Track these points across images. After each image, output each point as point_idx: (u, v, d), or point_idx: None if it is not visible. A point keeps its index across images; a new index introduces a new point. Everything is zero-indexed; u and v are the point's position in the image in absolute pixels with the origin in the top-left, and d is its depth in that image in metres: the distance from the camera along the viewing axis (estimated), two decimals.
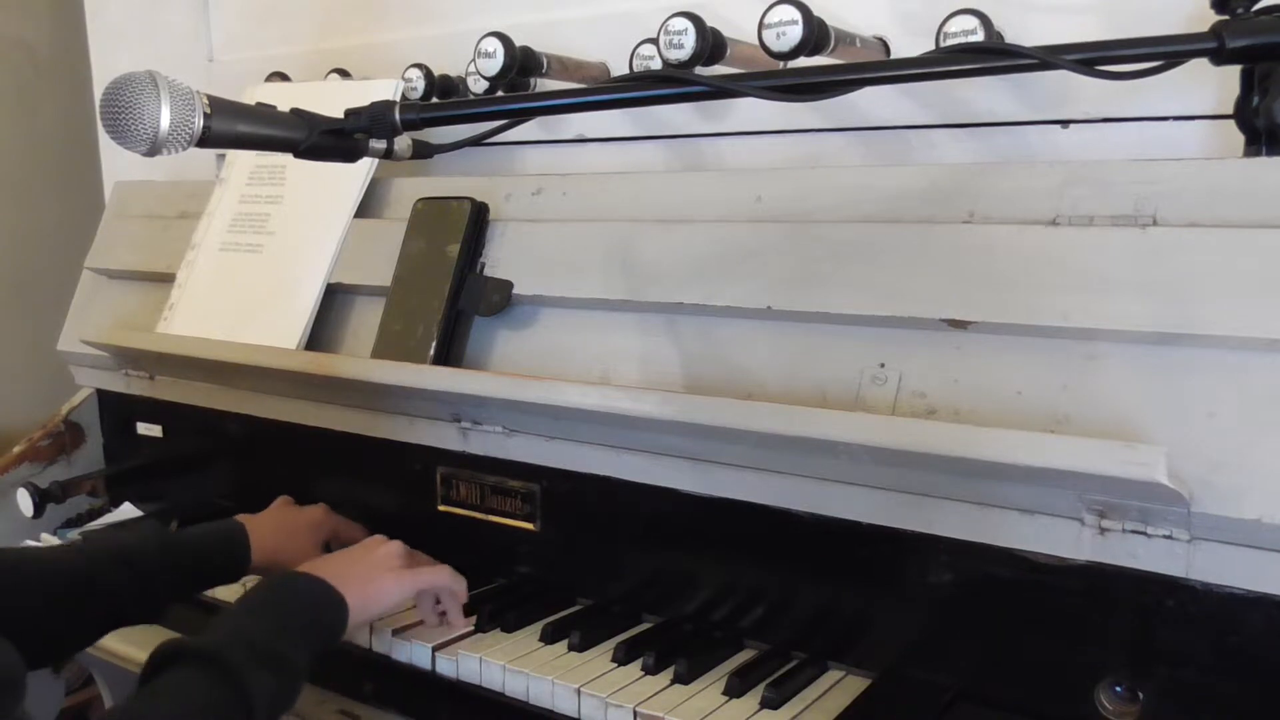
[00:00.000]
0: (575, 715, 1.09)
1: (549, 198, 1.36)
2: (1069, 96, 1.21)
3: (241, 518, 1.35)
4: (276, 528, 1.35)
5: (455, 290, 1.36)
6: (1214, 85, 1.11)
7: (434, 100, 1.62)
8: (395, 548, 1.22)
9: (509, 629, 1.23)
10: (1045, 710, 0.99)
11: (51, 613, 1.14)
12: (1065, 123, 1.23)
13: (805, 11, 1.14)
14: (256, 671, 0.97)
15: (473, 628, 1.24)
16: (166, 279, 1.70)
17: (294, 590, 1.11)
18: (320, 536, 1.39)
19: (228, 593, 1.35)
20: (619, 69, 1.52)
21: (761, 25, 1.16)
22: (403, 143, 1.11)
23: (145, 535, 1.26)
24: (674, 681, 1.10)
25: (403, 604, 1.22)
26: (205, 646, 0.97)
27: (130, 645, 1.40)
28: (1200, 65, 0.91)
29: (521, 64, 1.45)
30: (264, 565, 1.31)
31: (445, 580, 1.22)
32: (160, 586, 1.21)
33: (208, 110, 0.90)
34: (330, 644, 1.10)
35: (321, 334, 1.52)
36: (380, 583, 1.16)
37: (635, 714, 1.05)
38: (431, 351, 1.35)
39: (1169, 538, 0.91)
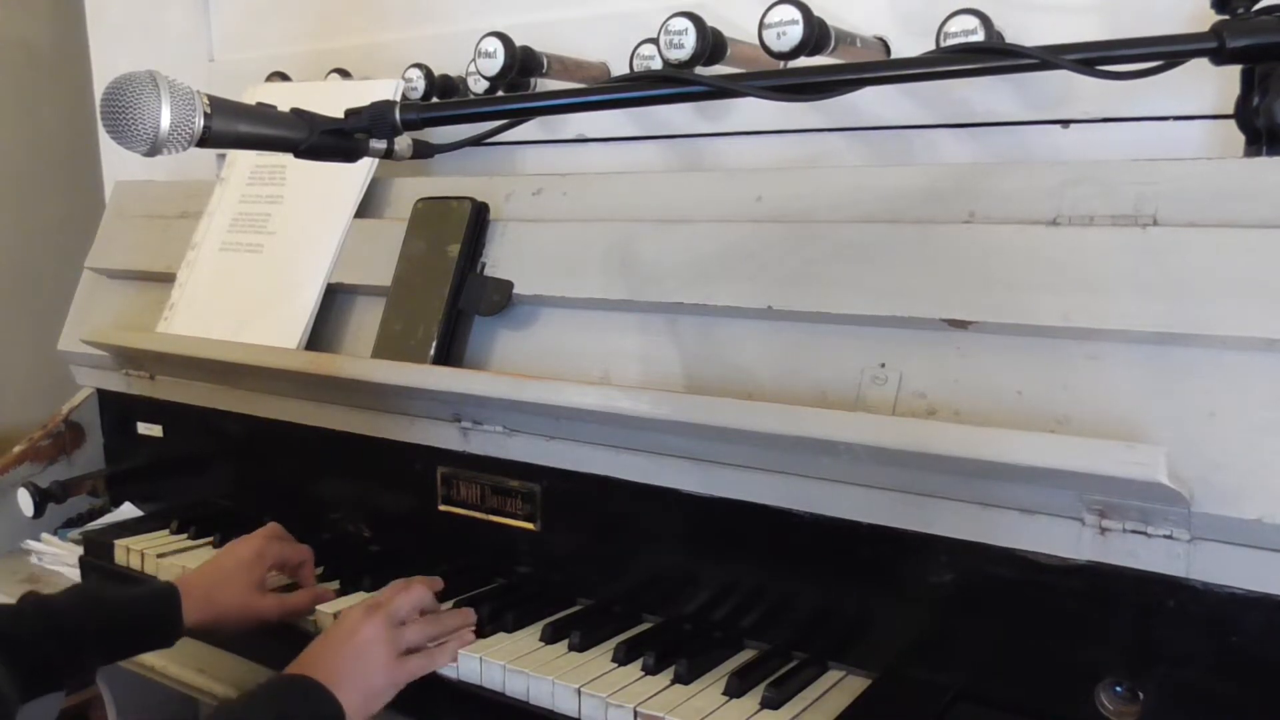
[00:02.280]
0: (575, 715, 1.08)
1: (549, 198, 1.36)
2: (1069, 96, 1.21)
3: (180, 578, 1.31)
4: (208, 580, 1.30)
5: (455, 290, 1.36)
6: (1214, 85, 1.11)
7: (434, 100, 1.62)
8: (376, 630, 1.14)
9: (509, 629, 1.23)
10: (1045, 710, 0.99)
11: None
12: (1066, 123, 1.23)
13: (805, 11, 1.14)
14: None
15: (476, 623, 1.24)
16: (167, 279, 1.70)
17: (289, 694, 1.07)
18: (259, 570, 1.33)
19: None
20: (619, 69, 1.52)
21: (762, 25, 1.16)
22: (403, 143, 1.11)
23: (74, 596, 1.23)
24: (674, 681, 1.10)
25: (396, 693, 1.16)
26: None
27: None
28: (1201, 65, 0.91)
29: (522, 64, 1.45)
30: (201, 621, 1.27)
31: (442, 662, 1.18)
32: (88, 650, 1.19)
33: (208, 110, 0.90)
34: None
35: (322, 334, 1.52)
36: (373, 681, 1.11)
37: (635, 714, 1.05)
38: (432, 351, 1.35)
39: (1169, 538, 0.91)
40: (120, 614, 1.24)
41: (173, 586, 1.28)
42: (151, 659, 1.39)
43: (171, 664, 1.38)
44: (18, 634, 1.15)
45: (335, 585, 1.38)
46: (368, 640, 1.13)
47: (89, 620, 1.20)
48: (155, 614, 1.25)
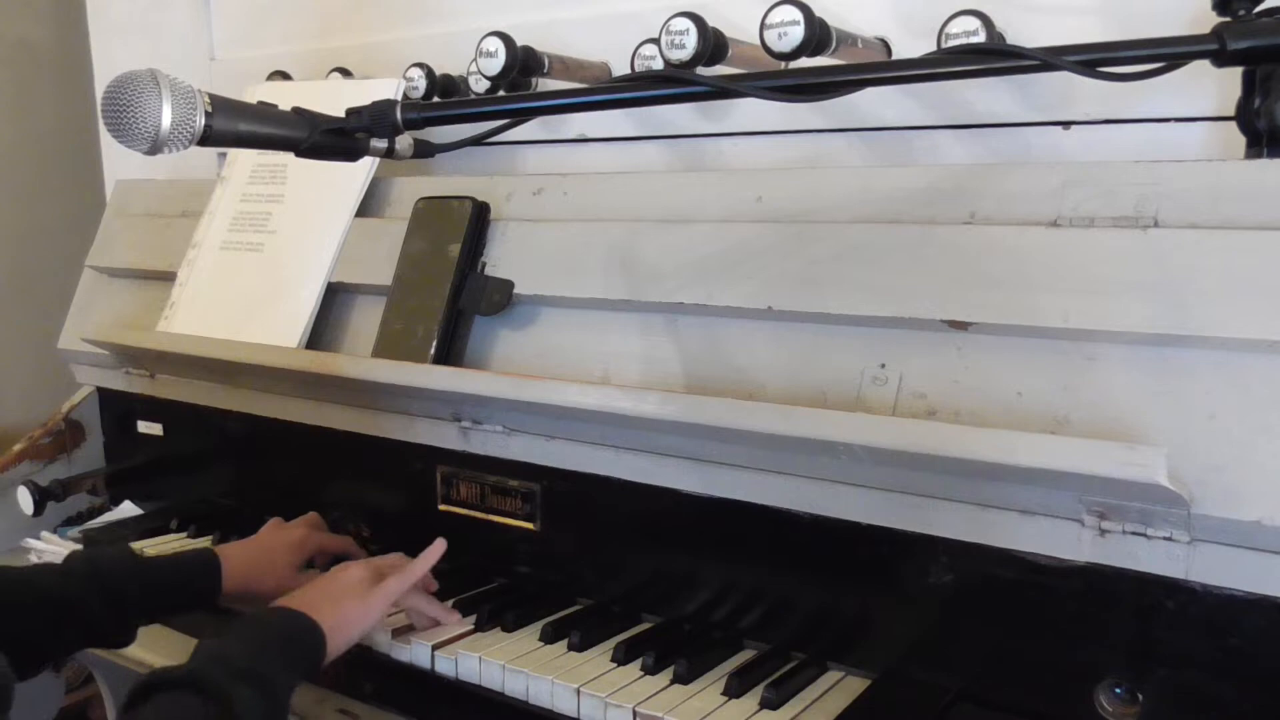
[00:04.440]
0: (575, 715, 1.08)
1: (550, 197, 1.36)
2: (1070, 98, 1.21)
3: (221, 546, 1.35)
4: (250, 553, 1.34)
5: (456, 289, 1.36)
6: (1215, 87, 1.11)
7: (435, 99, 1.62)
8: (359, 571, 1.20)
9: (509, 628, 1.23)
10: (1045, 711, 0.99)
11: (27, 629, 1.15)
12: (1067, 124, 1.23)
13: (807, 12, 1.14)
14: (237, 686, 0.97)
15: (472, 627, 1.24)
16: (167, 277, 1.70)
17: (267, 619, 1.11)
18: (300, 556, 1.37)
19: None
20: (620, 69, 1.52)
21: (763, 26, 1.16)
22: (404, 142, 1.11)
23: (119, 559, 1.27)
24: (673, 681, 1.10)
25: (381, 620, 1.20)
26: (181, 673, 0.98)
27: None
28: (1202, 67, 0.91)
29: (523, 63, 1.45)
30: (238, 592, 1.30)
31: (411, 577, 1.21)
32: (132, 609, 1.22)
33: (209, 109, 0.91)
34: (312, 669, 1.10)
35: (322, 333, 1.52)
36: (351, 605, 1.15)
37: (635, 714, 1.05)
38: (432, 351, 1.35)
39: (1169, 539, 0.91)
40: (164, 577, 1.27)
41: (214, 555, 1.31)
42: (152, 658, 1.38)
43: (171, 662, 1.37)
44: (66, 592, 1.19)
45: None
46: (349, 576, 1.19)
47: (135, 581, 1.23)
48: (196, 580, 1.29)
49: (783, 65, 1.18)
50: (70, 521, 1.81)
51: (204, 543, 1.55)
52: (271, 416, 1.57)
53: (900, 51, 1.32)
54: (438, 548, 1.25)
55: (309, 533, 1.41)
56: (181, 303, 1.66)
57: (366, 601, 1.17)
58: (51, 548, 1.70)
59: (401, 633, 1.23)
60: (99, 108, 0.90)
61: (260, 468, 1.64)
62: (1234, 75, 0.99)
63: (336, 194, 1.55)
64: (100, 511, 1.82)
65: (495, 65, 1.43)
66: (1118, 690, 0.96)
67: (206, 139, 0.91)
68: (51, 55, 2.74)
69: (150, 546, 1.53)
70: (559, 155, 1.63)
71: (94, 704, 2.28)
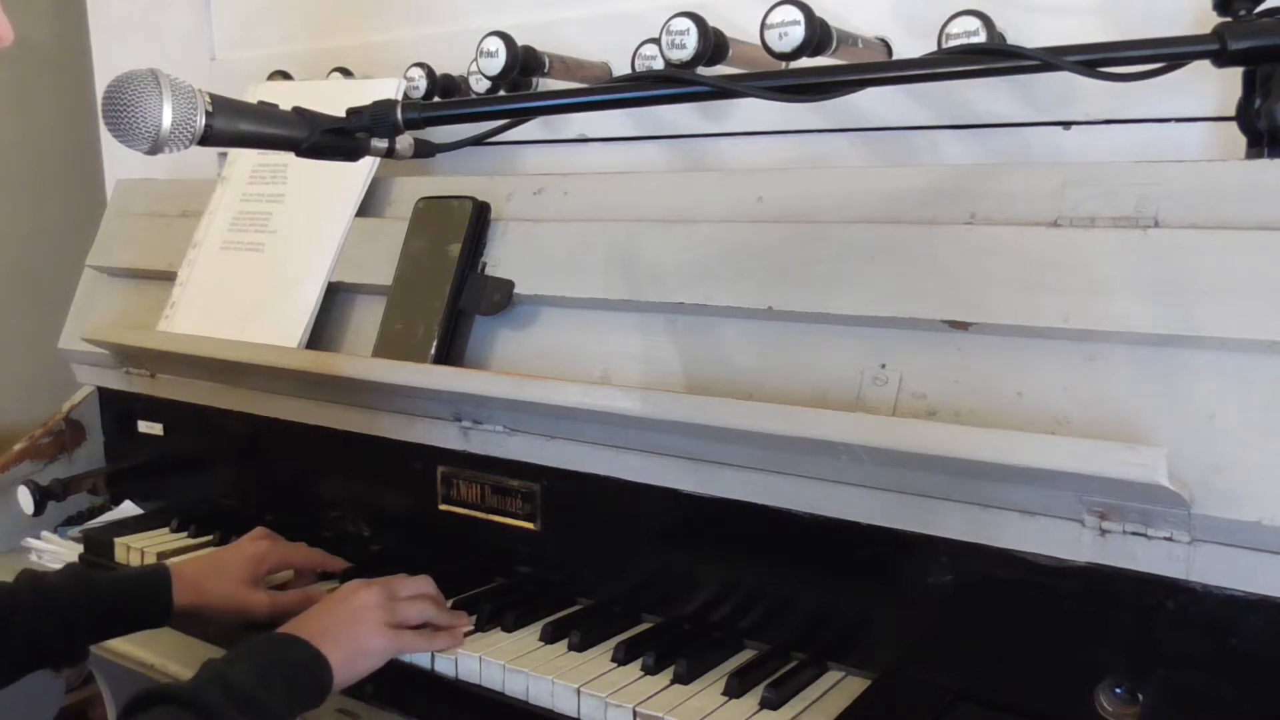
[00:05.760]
0: (575, 715, 1.08)
1: (550, 197, 1.36)
2: (1071, 98, 1.21)
3: (174, 561, 1.33)
4: (202, 568, 1.32)
5: (456, 289, 1.36)
6: (1216, 87, 1.11)
7: (436, 99, 1.62)
8: (372, 597, 1.16)
9: (509, 628, 1.23)
10: (1045, 711, 0.99)
11: None
12: (1067, 124, 1.23)
13: (807, 12, 1.14)
14: (234, 714, 0.96)
15: (472, 627, 1.24)
16: (168, 277, 1.70)
17: (273, 646, 1.08)
18: (257, 569, 1.33)
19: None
20: (621, 69, 1.52)
21: (763, 26, 1.16)
22: (404, 142, 1.11)
23: (67, 576, 1.25)
24: (674, 681, 1.10)
25: (386, 660, 1.16)
26: (182, 690, 0.97)
27: (130, 644, 1.40)
28: (1202, 67, 0.91)
29: (523, 63, 1.45)
30: (190, 606, 1.27)
31: (425, 647, 1.18)
32: (81, 627, 1.21)
33: (209, 108, 0.91)
34: (315, 701, 1.08)
35: (322, 333, 1.52)
36: (362, 641, 1.13)
37: (635, 714, 1.05)
38: (432, 351, 1.35)
39: (1169, 539, 0.91)
40: (112, 593, 1.25)
41: (164, 568, 1.30)
42: (152, 657, 1.39)
43: (172, 662, 1.37)
44: (13, 613, 1.17)
45: (334, 586, 1.38)
46: (362, 604, 1.15)
47: (81, 599, 1.22)
48: (145, 594, 1.27)
49: (783, 65, 1.18)
50: (70, 521, 1.82)
51: (205, 542, 1.55)
52: (271, 416, 1.57)
53: (900, 51, 1.32)
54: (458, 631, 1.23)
55: (271, 545, 1.37)
56: (182, 302, 1.66)
57: (384, 640, 1.14)
58: (52, 547, 1.70)
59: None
60: (99, 107, 0.90)
61: (260, 468, 1.64)
62: (1234, 75, 0.99)
63: (337, 194, 1.56)
64: (100, 511, 1.82)
65: (495, 65, 1.43)
66: (1118, 690, 0.96)
67: (207, 139, 0.91)
68: (51, 55, 2.74)
69: (151, 546, 1.53)
70: (559, 155, 1.63)
71: (94, 704, 2.28)
